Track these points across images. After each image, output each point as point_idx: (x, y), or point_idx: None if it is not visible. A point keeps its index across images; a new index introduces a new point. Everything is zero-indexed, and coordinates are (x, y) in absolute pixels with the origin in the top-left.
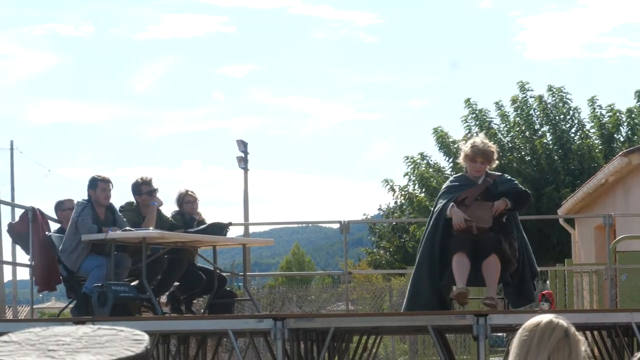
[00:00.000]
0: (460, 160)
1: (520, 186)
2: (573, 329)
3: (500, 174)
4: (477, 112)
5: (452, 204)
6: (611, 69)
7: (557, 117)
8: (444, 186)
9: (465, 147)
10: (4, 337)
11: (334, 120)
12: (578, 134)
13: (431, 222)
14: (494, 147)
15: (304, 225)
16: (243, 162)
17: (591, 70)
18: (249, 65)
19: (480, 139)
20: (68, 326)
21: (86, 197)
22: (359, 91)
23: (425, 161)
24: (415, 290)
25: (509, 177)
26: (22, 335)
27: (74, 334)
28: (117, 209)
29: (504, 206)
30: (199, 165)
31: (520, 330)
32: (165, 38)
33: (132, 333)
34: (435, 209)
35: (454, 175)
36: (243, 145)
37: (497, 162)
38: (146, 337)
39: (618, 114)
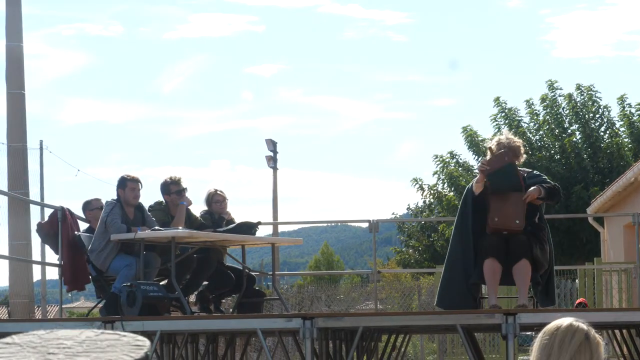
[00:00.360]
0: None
1: (550, 180)
2: (593, 331)
3: (529, 170)
4: (506, 110)
5: (475, 179)
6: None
7: (586, 116)
8: (472, 180)
9: (491, 144)
10: (7, 339)
11: (363, 119)
12: (607, 132)
13: (459, 212)
14: (519, 142)
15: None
16: (272, 161)
17: (621, 68)
18: (277, 65)
19: (505, 134)
20: (73, 330)
21: (115, 197)
22: (388, 90)
23: (454, 160)
24: (446, 288)
25: (538, 173)
26: (26, 337)
27: (77, 338)
28: (146, 209)
29: (538, 194)
30: (227, 165)
31: (540, 334)
32: (194, 37)
33: (134, 338)
34: (462, 197)
35: None
36: (272, 144)
37: (524, 156)
38: (147, 342)
39: None
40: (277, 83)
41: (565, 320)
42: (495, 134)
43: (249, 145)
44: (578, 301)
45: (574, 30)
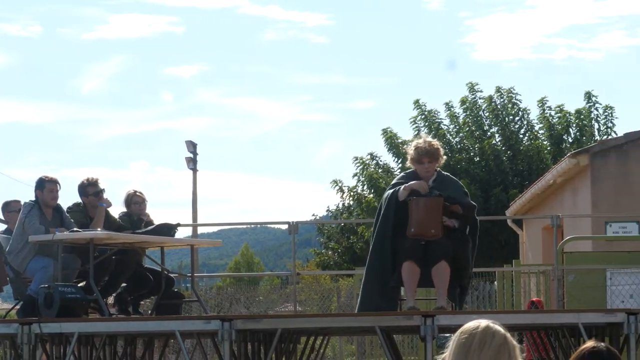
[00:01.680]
0: (408, 163)
1: (469, 198)
2: (509, 335)
3: (447, 173)
4: (426, 113)
5: (403, 186)
6: (560, 70)
7: (506, 118)
8: (394, 181)
9: (410, 151)
10: None
11: (283, 120)
12: (527, 135)
13: (380, 215)
14: (437, 144)
15: (252, 226)
16: (192, 162)
17: (540, 71)
18: (197, 66)
19: (422, 138)
20: None
21: (33, 198)
22: (308, 92)
23: (374, 162)
24: (367, 291)
25: (456, 182)
26: None
27: None
28: (65, 210)
29: (457, 211)
30: (146, 166)
31: (458, 333)
32: (113, 38)
33: None
34: (383, 200)
35: (405, 172)
36: (192, 145)
37: (444, 158)
38: None
39: (567, 115)
40: (196, 84)
41: (482, 322)
42: (415, 137)
43: (168, 146)
44: (532, 300)
45: (493, 32)
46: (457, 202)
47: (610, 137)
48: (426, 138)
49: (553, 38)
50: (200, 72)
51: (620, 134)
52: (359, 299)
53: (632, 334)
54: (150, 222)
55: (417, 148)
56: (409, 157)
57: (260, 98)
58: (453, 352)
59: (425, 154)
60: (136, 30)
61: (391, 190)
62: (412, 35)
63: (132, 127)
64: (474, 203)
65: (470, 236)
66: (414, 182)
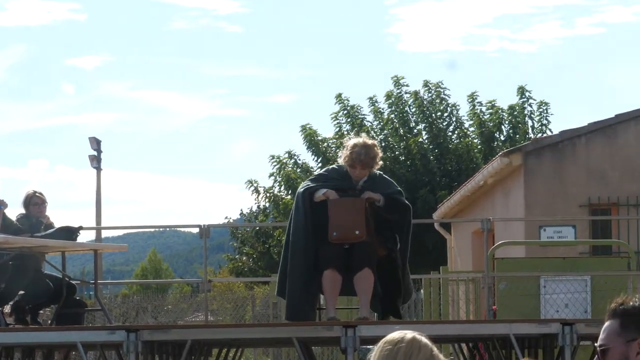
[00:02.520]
0: (340, 160)
1: (402, 197)
2: (434, 348)
3: (379, 172)
4: (348, 108)
5: (324, 189)
6: (491, 62)
7: (433, 115)
8: (319, 171)
9: (345, 150)
10: None
11: (195, 116)
12: (456, 132)
13: (298, 211)
14: (375, 151)
15: (161, 229)
16: (96, 161)
17: (470, 64)
18: (101, 56)
19: (362, 141)
20: None
21: None
22: (222, 85)
23: (292, 161)
24: (294, 296)
25: (389, 181)
26: None
27: None
28: None
29: (377, 198)
30: (46, 165)
31: (381, 344)
32: (11, 26)
33: None
34: (299, 193)
35: (332, 166)
36: (96, 142)
37: (380, 163)
38: None
39: (499, 111)
40: (100, 76)
41: (408, 333)
42: (337, 134)
43: (70, 143)
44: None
45: (420, 22)
46: (389, 198)
47: (545, 135)
48: (366, 140)
49: (484, 28)
50: (104, 63)
51: (556, 131)
52: (285, 309)
53: (567, 346)
54: (50, 225)
55: (352, 152)
56: (342, 153)
57: (170, 91)
58: None
59: (359, 162)
60: (36, 17)
61: (308, 184)
62: (334, 24)
63: (31, 121)
64: (407, 203)
65: (402, 242)
66: (330, 193)
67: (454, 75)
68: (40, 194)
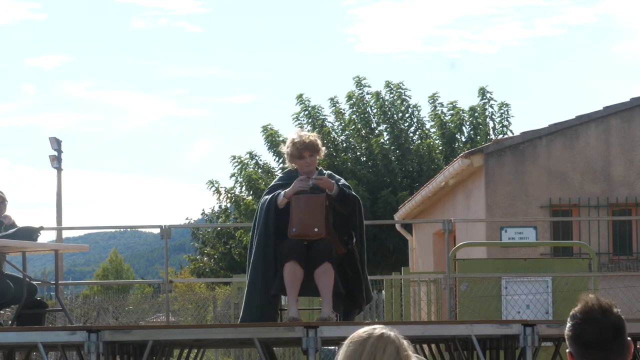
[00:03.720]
0: (288, 163)
1: (352, 191)
2: (405, 343)
3: (330, 172)
4: (309, 108)
5: (283, 191)
6: (452, 63)
7: (395, 116)
8: (271, 184)
9: (287, 149)
10: None
11: (155, 116)
12: (417, 133)
13: (260, 222)
14: (315, 135)
15: (121, 230)
16: (56, 161)
17: (431, 65)
18: (60, 56)
19: (297, 133)
20: None
21: None
22: (182, 85)
23: (254, 161)
24: (250, 299)
25: (339, 178)
26: None
27: None
28: None
29: (330, 187)
30: (6, 164)
31: (347, 342)
32: None
33: None
34: (260, 206)
35: (283, 172)
36: (57, 143)
37: (324, 149)
38: None
39: (460, 112)
40: (60, 76)
41: (375, 330)
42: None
43: (30, 143)
44: None
45: (379, 23)
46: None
47: (505, 136)
48: (300, 132)
49: (444, 29)
50: (63, 63)
51: (517, 133)
52: (242, 310)
53: (528, 347)
54: (12, 225)
55: (295, 143)
56: (287, 155)
57: (130, 91)
58: None
59: (305, 148)
60: None
61: (269, 197)
62: (294, 23)
63: None
64: (355, 194)
65: (358, 241)
66: (296, 183)
67: (414, 75)
68: (1, 192)
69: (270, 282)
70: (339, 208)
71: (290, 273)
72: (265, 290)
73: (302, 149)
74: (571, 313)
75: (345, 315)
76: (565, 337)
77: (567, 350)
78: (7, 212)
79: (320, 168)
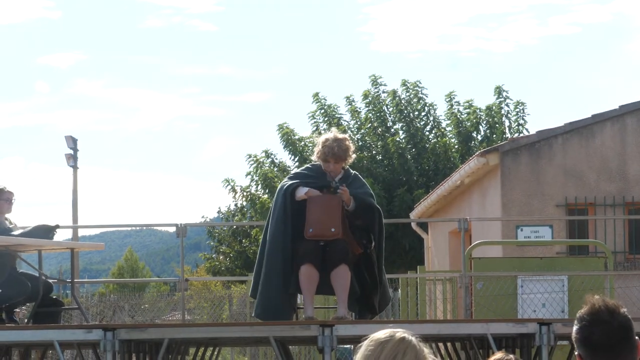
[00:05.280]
0: (314, 157)
1: (372, 200)
2: (425, 350)
3: (355, 172)
4: (325, 107)
5: (304, 188)
6: (467, 62)
7: (411, 114)
8: (297, 170)
9: (318, 146)
10: None
11: (170, 114)
12: (433, 131)
13: (277, 209)
14: (347, 144)
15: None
16: (72, 159)
17: (446, 63)
18: (74, 54)
19: (333, 134)
20: None
21: None
22: (196, 84)
23: (269, 160)
24: (267, 295)
25: (363, 183)
26: None
27: None
28: None
29: (348, 200)
30: (21, 163)
31: (366, 342)
32: None
33: None
34: (279, 190)
35: (311, 163)
36: (72, 141)
37: (354, 156)
38: None
39: (477, 111)
40: (75, 75)
41: (397, 333)
42: (313, 133)
43: (45, 141)
44: None
45: (393, 21)
46: (358, 200)
47: (521, 135)
48: (337, 134)
49: (459, 27)
50: (78, 62)
51: (533, 131)
52: (257, 305)
53: (544, 346)
54: (13, 228)
55: (324, 146)
56: (315, 150)
57: (145, 89)
58: None
59: (332, 155)
60: (9, 15)
61: (289, 182)
62: (308, 21)
63: (4, 120)
64: (377, 205)
65: (376, 244)
66: (312, 192)
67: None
68: (7, 189)
69: (287, 278)
70: (352, 219)
71: (306, 276)
72: (282, 287)
73: (329, 155)
74: (578, 315)
75: (360, 316)
76: (573, 339)
77: (576, 353)
78: (13, 212)
79: (347, 168)
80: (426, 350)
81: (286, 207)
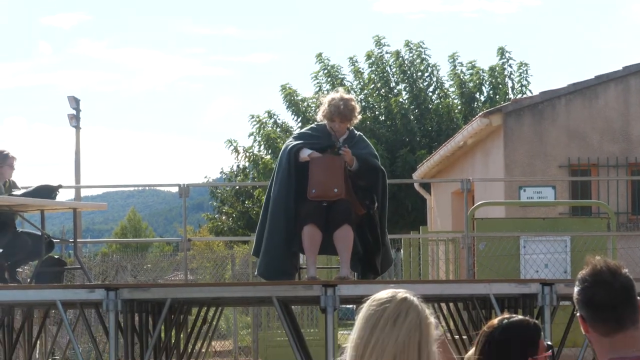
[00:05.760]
0: (319, 116)
1: (376, 161)
2: (427, 311)
3: (359, 133)
4: (329, 68)
5: (308, 150)
6: (470, 23)
7: (414, 75)
8: (301, 130)
9: (324, 105)
10: None
11: (174, 74)
12: (436, 92)
13: (280, 170)
14: (353, 104)
15: (140, 188)
16: (75, 119)
17: (449, 24)
18: (77, 14)
19: (340, 93)
20: None
21: None
22: (201, 44)
23: (272, 120)
24: (271, 255)
25: (368, 144)
26: None
27: None
28: None
29: (350, 162)
30: (23, 123)
31: (367, 302)
32: None
33: None
34: (283, 151)
35: (316, 123)
36: (75, 101)
37: (359, 117)
38: None
39: (480, 72)
40: (78, 35)
41: (399, 293)
42: (316, 94)
43: (47, 102)
44: None
45: None
46: (361, 160)
47: (524, 95)
48: (343, 94)
49: None
50: (80, 22)
51: (536, 92)
52: (260, 264)
53: (546, 306)
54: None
55: (330, 105)
56: (321, 109)
57: (149, 50)
58: (358, 324)
59: (338, 114)
60: None
61: (294, 142)
62: None
63: (6, 80)
64: (380, 166)
65: (379, 205)
66: (315, 155)
67: (432, 35)
68: (6, 152)
69: (290, 238)
70: (356, 180)
71: (309, 236)
72: (285, 246)
73: (335, 114)
74: (579, 276)
75: (362, 277)
76: (575, 301)
77: (578, 314)
78: (15, 174)
79: (352, 128)
80: (428, 310)
81: (290, 168)
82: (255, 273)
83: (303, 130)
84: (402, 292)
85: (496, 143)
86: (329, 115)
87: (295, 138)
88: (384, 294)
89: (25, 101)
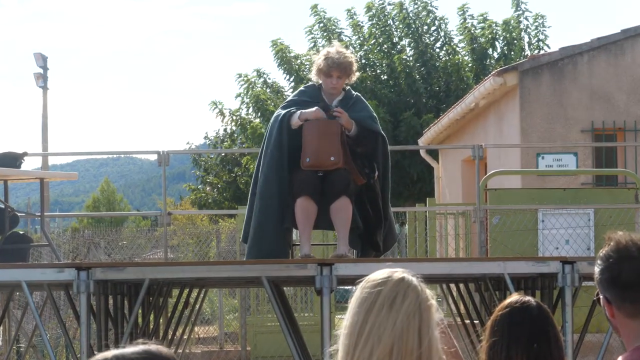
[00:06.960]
0: (313, 75)
1: (376, 125)
2: (427, 292)
3: (357, 93)
4: (325, 21)
5: (299, 111)
6: None
7: (419, 29)
8: (289, 97)
9: (318, 59)
10: None
11: (151, 29)
12: (444, 48)
13: (271, 141)
14: (352, 57)
15: (115, 156)
16: (42, 79)
17: None
18: None
19: (335, 48)
20: None
21: None
22: None
23: (262, 80)
24: (260, 230)
25: (366, 104)
26: None
27: None
28: None
29: (348, 126)
30: None
31: (361, 284)
32: None
33: None
34: (273, 121)
35: (305, 85)
36: (42, 59)
37: (357, 74)
38: None
39: (492, 25)
40: None
41: (396, 272)
42: (311, 50)
43: (11, 59)
44: None
45: None
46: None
47: (542, 52)
48: (339, 48)
49: None
50: None
51: (555, 48)
52: (249, 247)
53: (567, 287)
54: None
55: (327, 58)
56: (315, 67)
57: (122, 1)
58: (351, 309)
59: (336, 67)
60: None
61: (283, 112)
62: None
63: None
64: (380, 131)
65: (381, 174)
66: (310, 111)
67: None
68: None
69: (285, 213)
70: (353, 146)
71: (303, 210)
72: (279, 222)
73: (332, 67)
74: (601, 254)
75: (363, 255)
76: (597, 282)
77: (600, 296)
78: None
79: (348, 88)
80: (428, 291)
81: (282, 136)
82: (245, 258)
83: (292, 97)
84: (399, 272)
85: (511, 105)
86: (326, 68)
87: (284, 107)
88: (379, 274)
89: None
